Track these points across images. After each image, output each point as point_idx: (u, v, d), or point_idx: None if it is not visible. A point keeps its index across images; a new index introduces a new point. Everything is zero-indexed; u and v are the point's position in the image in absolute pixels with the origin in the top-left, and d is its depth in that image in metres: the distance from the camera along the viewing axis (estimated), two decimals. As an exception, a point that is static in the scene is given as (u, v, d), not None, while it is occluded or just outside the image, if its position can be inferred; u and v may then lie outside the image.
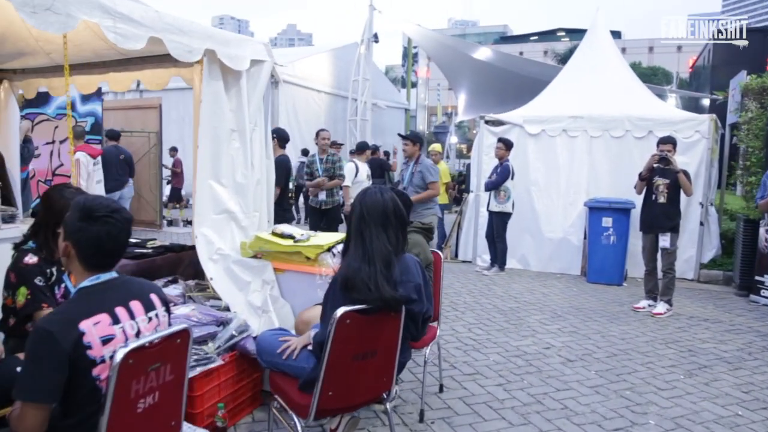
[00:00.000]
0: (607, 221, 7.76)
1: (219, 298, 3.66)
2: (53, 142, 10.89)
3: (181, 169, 13.43)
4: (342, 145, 15.68)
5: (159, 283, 4.01)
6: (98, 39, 4.31)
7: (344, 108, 18.73)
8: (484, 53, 18.77)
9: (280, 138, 5.90)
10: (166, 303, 2.20)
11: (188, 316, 3.27)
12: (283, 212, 5.84)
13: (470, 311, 6.22)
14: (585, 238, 8.17)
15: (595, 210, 7.82)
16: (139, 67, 4.78)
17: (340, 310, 2.37)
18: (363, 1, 17.72)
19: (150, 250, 4.42)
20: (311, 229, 7.49)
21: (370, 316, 2.46)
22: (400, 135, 7.62)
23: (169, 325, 2.15)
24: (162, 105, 11.96)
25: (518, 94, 14.85)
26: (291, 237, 3.70)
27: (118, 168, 8.47)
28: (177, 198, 13.04)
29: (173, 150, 13.77)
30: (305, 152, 16.93)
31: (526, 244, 8.71)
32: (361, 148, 8.63)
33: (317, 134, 7.69)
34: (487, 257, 8.58)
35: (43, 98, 11.13)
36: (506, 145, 8.04)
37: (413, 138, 6.78)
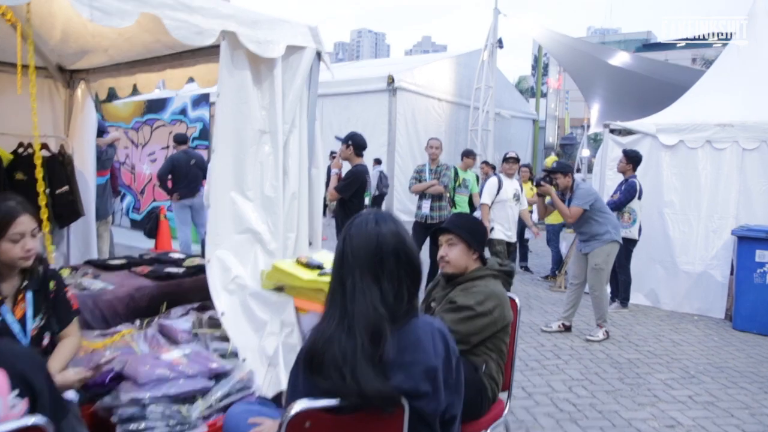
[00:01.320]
0: (762, 255, 6.19)
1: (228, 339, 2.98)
2: (168, 147, 11.09)
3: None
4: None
5: (177, 311, 3.43)
6: (144, 31, 3.88)
7: (466, 117, 17.83)
8: (622, 59, 16.99)
9: (357, 145, 5.18)
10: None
11: (173, 365, 2.60)
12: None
13: (576, 360, 5.08)
14: (732, 273, 6.64)
15: (747, 240, 6.28)
16: (192, 62, 4.26)
17: (297, 405, 1.54)
18: (490, 7, 16.68)
19: (182, 270, 3.86)
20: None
21: (346, 417, 1.60)
22: (545, 170, 6.61)
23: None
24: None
25: (661, 104, 13.14)
26: (318, 267, 2.93)
27: (189, 174, 8.09)
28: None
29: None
30: (378, 161, 15.84)
31: (656, 277, 7.28)
32: (464, 155, 8.11)
33: (427, 142, 7.17)
34: (608, 289, 7.23)
35: (160, 104, 11.41)
36: (630, 158, 6.72)
37: (563, 169, 5.74)
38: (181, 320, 3.27)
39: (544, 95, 24.46)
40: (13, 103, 5.37)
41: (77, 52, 4.82)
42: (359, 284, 1.63)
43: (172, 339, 3.10)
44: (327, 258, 3.09)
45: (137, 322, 3.41)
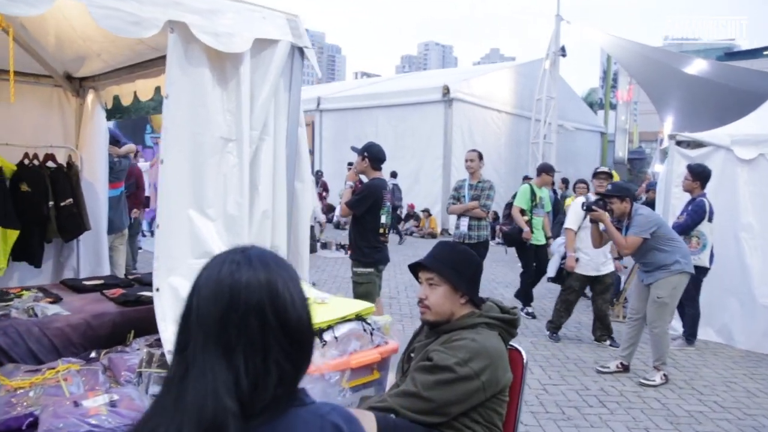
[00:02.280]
0: None
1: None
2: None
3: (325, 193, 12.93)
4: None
5: (139, 342, 3.00)
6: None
7: (527, 129, 17.01)
8: (699, 67, 15.73)
9: (373, 157, 4.64)
10: None
11: (86, 417, 2.14)
12: (371, 250, 4.57)
13: (624, 410, 4.32)
14: (824, 311, 5.65)
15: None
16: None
17: None
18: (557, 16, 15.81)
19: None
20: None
21: None
22: (597, 193, 5.57)
23: None
24: (315, 123, 11.47)
25: (742, 116, 11.96)
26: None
27: None
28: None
29: (318, 174, 13.26)
30: (394, 175, 15.18)
31: (729, 311, 6.33)
32: (541, 170, 7.24)
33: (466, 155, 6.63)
34: (677, 324, 6.33)
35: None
36: (696, 174, 5.80)
37: (620, 193, 4.85)
38: (135, 354, 2.83)
39: (613, 107, 23.19)
40: (20, 113, 5.20)
41: (75, 58, 4.57)
42: (199, 358, 1.09)
43: (115, 377, 2.66)
44: (309, 292, 2.59)
45: (93, 353, 3.01)
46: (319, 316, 2.27)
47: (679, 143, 6.84)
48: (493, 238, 14.68)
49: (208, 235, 2.70)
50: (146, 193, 11.35)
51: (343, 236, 12.68)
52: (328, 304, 2.47)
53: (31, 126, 5.19)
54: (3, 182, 4.74)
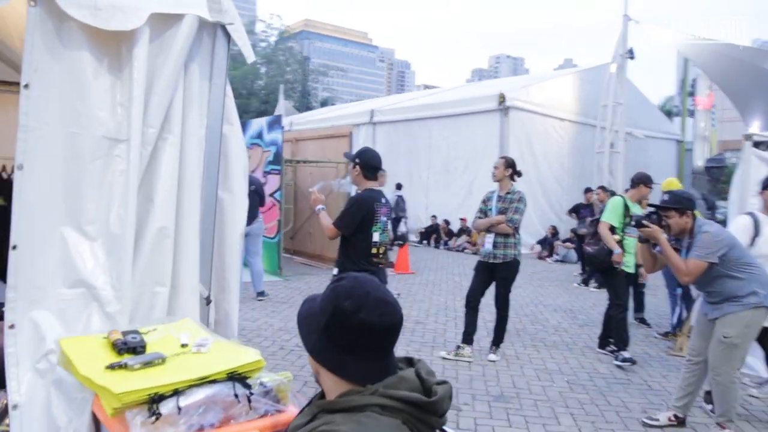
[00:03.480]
0: None
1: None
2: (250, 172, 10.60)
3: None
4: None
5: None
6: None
7: (592, 138, 15.84)
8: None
9: (366, 165, 3.95)
10: None
11: None
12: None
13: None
14: None
15: None
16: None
17: None
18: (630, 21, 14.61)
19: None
20: (474, 288, 5.42)
21: None
22: (651, 204, 4.22)
23: None
24: (353, 133, 10.93)
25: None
26: (133, 350, 1.79)
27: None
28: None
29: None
30: (399, 186, 14.59)
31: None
32: (637, 181, 5.84)
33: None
34: (760, 366, 5.04)
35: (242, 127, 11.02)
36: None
37: (679, 205, 3.87)
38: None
39: (691, 114, 21.46)
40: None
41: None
42: None
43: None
44: (163, 333, 1.94)
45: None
46: (170, 375, 1.62)
47: (757, 144, 5.79)
48: (550, 254, 13.70)
49: (84, 258, 2.13)
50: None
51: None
52: (205, 354, 1.83)
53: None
54: None
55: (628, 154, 15.28)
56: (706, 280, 3.77)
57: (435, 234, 15.83)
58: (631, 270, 5.64)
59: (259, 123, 10.42)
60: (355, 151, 4.20)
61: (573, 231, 12.50)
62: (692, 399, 4.11)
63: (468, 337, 5.46)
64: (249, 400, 1.63)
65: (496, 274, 5.41)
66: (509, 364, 5.35)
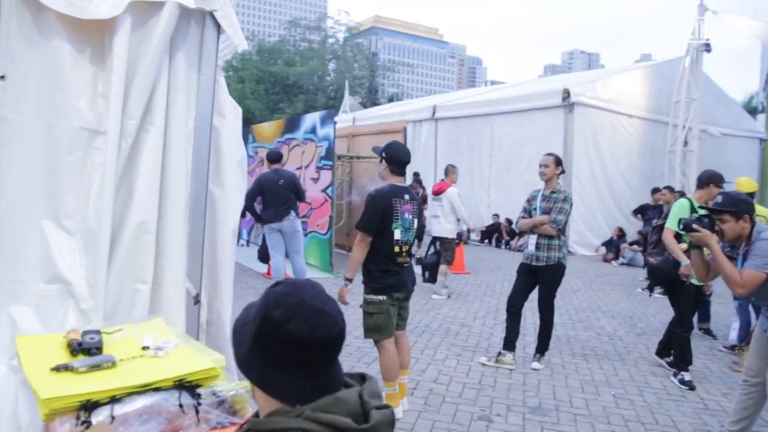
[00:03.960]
0: None
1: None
2: (300, 167, 10.64)
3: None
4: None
5: None
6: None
7: (664, 136, 15.00)
8: None
9: (393, 159, 3.78)
10: None
11: None
12: (382, 274, 3.69)
13: None
14: None
15: None
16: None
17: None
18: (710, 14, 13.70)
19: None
20: (515, 292, 5.17)
21: None
22: (703, 207, 3.97)
23: None
24: (407, 129, 10.74)
25: None
26: (87, 351, 1.67)
27: (278, 195, 7.20)
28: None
29: (415, 176, 12.22)
30: (417, 176, 14.05)
31: None
32: (706, 181, 5.10)
33: None
34: None
35: (296, 123, 11.04)
36: None
37: (735, 208, 3.37)
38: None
39: (777, 109, 19.99)
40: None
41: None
42: None
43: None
44: (164, 337, 1.83)
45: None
46: (115, 380, 1.50)
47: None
48: (616, 257, 13.03)
49: (63, 253, 2.08)
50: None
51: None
52: (161, 358, 1.70)
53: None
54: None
55: (703, 153, 14.36)
56: (765, 292, 3.35)
57: (497, 233, 15.42)
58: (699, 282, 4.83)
59: (312, 118, 10.41)
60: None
61: (640, 233, 11.84)
62: (750, 424, 3.70)
63: (509, 344, 5.19)
64: (197, 411, 1.50)
65: (539, 278, 5.11)
66: (553, 373, 5.05)
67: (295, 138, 10.90)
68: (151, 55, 2.13)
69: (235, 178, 2.51)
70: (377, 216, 3.69)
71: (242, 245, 12.35)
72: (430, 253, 8.86)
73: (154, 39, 2.13)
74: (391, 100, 42.15)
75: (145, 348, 1.77)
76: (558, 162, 5.14)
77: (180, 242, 2.25)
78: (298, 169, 10.74)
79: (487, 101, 16.64)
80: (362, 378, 1.40)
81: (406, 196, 3.86)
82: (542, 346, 5.25)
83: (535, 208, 5.18)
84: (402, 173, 3.92)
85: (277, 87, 41.50)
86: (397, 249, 3.78)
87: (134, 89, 2.12)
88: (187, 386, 1.54)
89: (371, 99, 43.30)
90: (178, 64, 2.24)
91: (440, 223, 8.25)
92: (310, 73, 42.04)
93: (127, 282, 2.16)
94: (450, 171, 8.65)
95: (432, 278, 8.46)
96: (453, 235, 8.29)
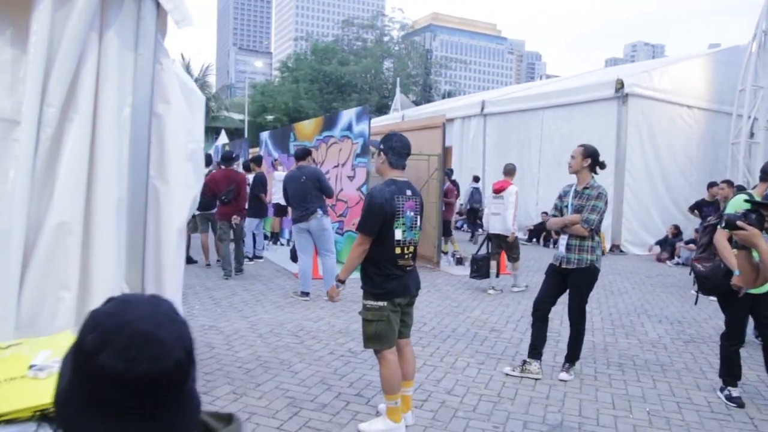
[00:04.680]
0: None
1: None
2: (338, 165, 10.47)
3: (453, 199, 11.59)
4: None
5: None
6: None
7: (727, 127, 14.05)
8: None
9: (392, 152, 3.45)
10: None
11: None
12: (382, 279, 3.38)
13: None
14: None
15: None
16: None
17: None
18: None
19: None
20: (543, 295, 4.80)
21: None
22: (749, 200, 3.01)
23: None
24: (446, 124, 10.38)
25: None
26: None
27: (301, 193, 7.04)
28: (446, 232, 10.99)
29: (448, 173, 11.77)
30: (476, 179, 13.77)
31: None
32: None
33: None
34: None
35: (334, 120, 10.86)
36: None
37: None
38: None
39: None
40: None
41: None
42: None
43: None
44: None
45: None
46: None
47: None
48: (671, 257, 12.22)
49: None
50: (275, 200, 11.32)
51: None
52: (39, 381, 1.46)
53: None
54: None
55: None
56: None
57: (545, 232, 14.80)
58: (762, 290, 4.11)
59: (349, 115, 10.20)
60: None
61: (697, 231, 11.05)
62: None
63: (535, 351, 4.81)
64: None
65: (569, 281, 4.70)
66: (582, 385, 4.63)
67: (333, 135, 10.72)
68: (71, 32, 1.93)
69: (183, 173, 2.29)
70: (379, 217, 3.40)
71: (281, 244, 12.31)
72: (482, 249, 8.62)
73: (73, 16, 1.93)
74: (445, 97, 41.65)
75: (31, 367, 1.57)
76: (587, 154, 4.70)
77: (111, 244, 2.05)
78: (335, 167, 10.57)
79: (537, 95, 16.03)
80: (229, 419, 1.13)
81: (408, 192, 3.56)
82: (572, 356, 4.83)
83: (567, 206, 4.77)
84: (402, 166, 3.62)
85: (331, 86, 41.79)
86: (398, 250, 3.48)
87: (54, 72, 1.92)
88: (51, 418, 1.32)
89: (425, 97, 42.91)
90: (108, 44, 2.03)
91: (501, 221, 8.15)
92: (363, 71, 42.09)
93: (47, 289, 1.97)
94: (512, 170, 8.44)
95: (480, 274, 8.18)
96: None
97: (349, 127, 10.06)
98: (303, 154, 7.34)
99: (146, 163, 2.12)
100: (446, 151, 19.61)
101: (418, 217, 3.63)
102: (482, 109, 17.62)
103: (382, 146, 3.59)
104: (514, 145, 16.19)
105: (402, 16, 49.20)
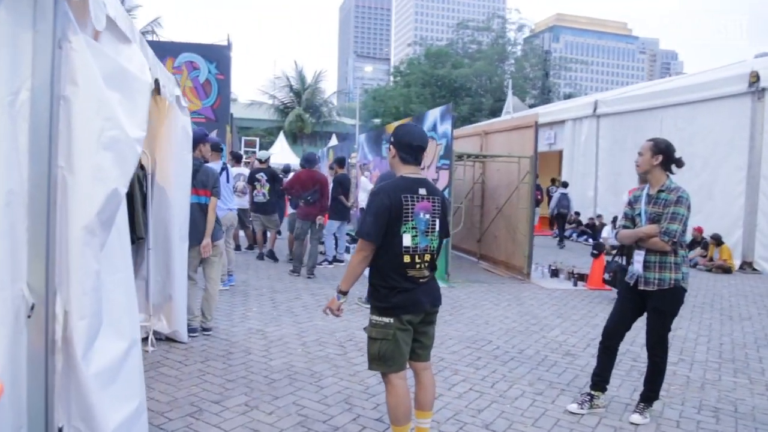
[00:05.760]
0: None
1: None
2: (423, 167, 9.96)
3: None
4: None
5: None
6: None
7: None
8: None
9: (402, 145, 2.86)
10: None
11: None
12: (387, 291, 2.84)
13: None
14: None
15: None
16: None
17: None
18: None
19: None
20: (614, 320, 4.03)
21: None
22: None
23: None
24: (538, 123, 9.54)
25: None
26: None
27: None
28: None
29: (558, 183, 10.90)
30: (565, 184, 13.13)
31: None
32: None
33: None
34: None
35: (420, 120, 10.37)
36: None
37: None
38: None
39: None
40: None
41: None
42: None
43: None
44: None
45: None
46: None
47: None
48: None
49: None
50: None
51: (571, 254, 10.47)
52: None
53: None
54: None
55: None
56: None
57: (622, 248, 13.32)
58: None
59: (434, 114, 9.68)
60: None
61: None
62: None
63: (600, 384, 4.03)
64: None
65: (649, 305, 3.88)
66: (660, 432, 3.79)
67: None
68: None
69: (95, 163, 1.95)
70: (382, 218, 2.89)
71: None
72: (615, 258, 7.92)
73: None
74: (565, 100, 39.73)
75: None
76: (658, 149, 3.85)
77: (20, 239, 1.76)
78: (421, 169, 10.07)
79: (655, 93, 14.58)
80: None
81: (422, 191, 3.02)
82: (649, 394, 3.98)
83: (639, 214, 3.96)
84: (415, 161, 3.09)
85: (443, 90, 41.28)
86: (407, 259, 2.94)
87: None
88: None
89: (544, 100, 41.17)
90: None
91: None
92: (476, 74, 41.17)
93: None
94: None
95: (614, 283, 7.51)
96: None
97: (434, 128, 9.54)
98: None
99: (49, 151, 1.81)
100: (556, 155, 18.51)
101: (437, 220, 3.07)
102: (594, 109, 16.38)
103: (392, 139, 3.09)
104: (629, 148, 14.81)
105: (518, 17, 47.58)
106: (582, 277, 9.29)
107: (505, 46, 44.25)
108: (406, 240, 2.93)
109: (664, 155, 3.81)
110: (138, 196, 4.60)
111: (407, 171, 3.05)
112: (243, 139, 17.12)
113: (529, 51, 45.58)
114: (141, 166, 4.76)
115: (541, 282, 9.21)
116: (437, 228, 3.07)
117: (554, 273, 9.83)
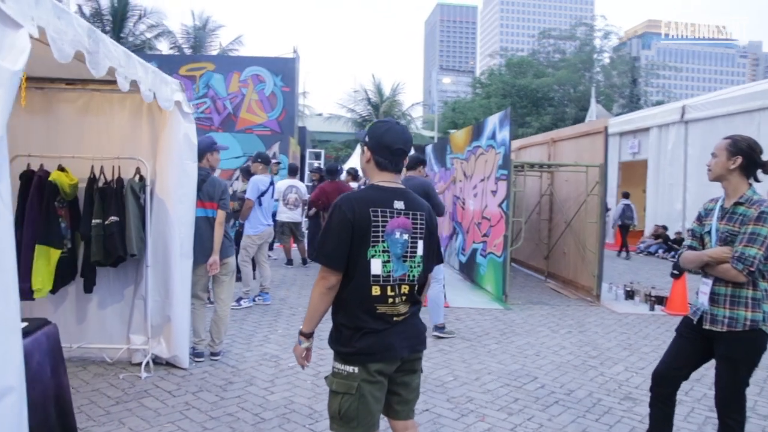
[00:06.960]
0: None
1: None
2: (483, 179, 9.25)
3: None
4: None
5: None
6: None
7: None
8: None
9: (378, 147, 2.24)
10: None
11: None
12: (352, 333, 2.22)
13: None
14: None
15: None
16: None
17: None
18: None
19: None
20: (668, 363, 3.18)
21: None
22: None
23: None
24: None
25: None
26: None
27: None
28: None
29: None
30: (626, 195, 12.32)
31: None
32: None
33: None
34: None
35: (480, 128, 9.65)
36: None
37: None
38: None
39: None
40: (108, 124, 4.63)
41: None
42: None
43: None
44: None
45: None
46: None
47: None
48: None
49: None
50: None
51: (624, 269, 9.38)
52: None
53: (119, 137, 4.60)
54: (48, 198, 4.18)
55: None
56: None
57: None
58: None
59: (493, 121, 8.95)
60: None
61: None
62: None
63: (655, 449, 3.21)
64: None
65: (717, 351, 3.02)
66: None
67: (480, 145, 9.54)
68: None
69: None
70: (344, 237, 2.27)
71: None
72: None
73: None
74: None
75: None
76: (737, 150, 3.02)
77: None
78: (482, 180, 9.37)
79: (750, 95, 13.09)
80: None
81: (398, 204, 2.36)
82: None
83: (709, 232, 3.12)
84: (394, 168, 2.42)
85: (524, 100, 39.95)
86: (376, 291, 2.30)
87: None
88: None
89: (632, 108, 38.94)
90: None
91: None
92: (559, 83, 39.58)
93: None
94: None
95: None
96: None
97: (493, 135, 8.81)
98: (413, 163, 6.23)
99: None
100: (640, 165, 17.11)
101: (419, 242, 2.41)
102: (682, 115, 14.99)
103: (366, 138, 2.45)
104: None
105: (604, 23, 45.45)
106: (660, 300, 8.22)
107: (591, 53, 42.35)
108: (375, 267, 2.29)
109: (745, 157, 2.96)
110: (131, 208, 4.24)
111: (382, 178, 2.41)
112: (308, 151, 16.92)
113: (616, 58, 43.40)
114: (139, 177, 4.42)
115: (612, 305, 8.21)
116: (419, 252, 2.41)
117: (629, 294, 8.79)
